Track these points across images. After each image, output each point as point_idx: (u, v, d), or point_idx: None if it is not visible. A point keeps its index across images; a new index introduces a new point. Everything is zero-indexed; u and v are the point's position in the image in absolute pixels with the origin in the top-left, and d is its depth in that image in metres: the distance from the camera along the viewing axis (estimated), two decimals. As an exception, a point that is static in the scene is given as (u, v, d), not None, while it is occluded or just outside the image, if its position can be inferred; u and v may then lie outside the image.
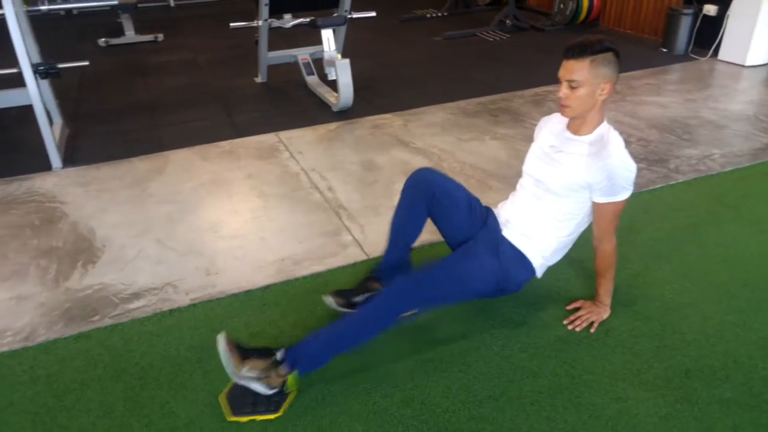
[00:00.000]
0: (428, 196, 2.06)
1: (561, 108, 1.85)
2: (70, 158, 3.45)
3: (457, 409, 1.72)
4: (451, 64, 5.13)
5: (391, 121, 3.81)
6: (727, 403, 1.70)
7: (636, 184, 2.92)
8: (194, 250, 2.54)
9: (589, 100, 1.80)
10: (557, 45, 5.65)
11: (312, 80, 4.37)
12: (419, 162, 3.23)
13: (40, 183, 3.16)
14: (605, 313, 2.04)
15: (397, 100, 4.18)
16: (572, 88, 1.78)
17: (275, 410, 1.71)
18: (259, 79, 4.70)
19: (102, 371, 1.90)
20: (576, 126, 1.91)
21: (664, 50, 5.25)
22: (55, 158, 3.34)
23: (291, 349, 1.76)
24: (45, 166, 3.31)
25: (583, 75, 1.76)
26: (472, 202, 2.10)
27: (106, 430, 1.68)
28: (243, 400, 1.74)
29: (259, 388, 1.71)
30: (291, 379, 1.74)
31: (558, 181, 1.91)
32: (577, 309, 2.06)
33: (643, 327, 2.00)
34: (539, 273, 2.04)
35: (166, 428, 1.68)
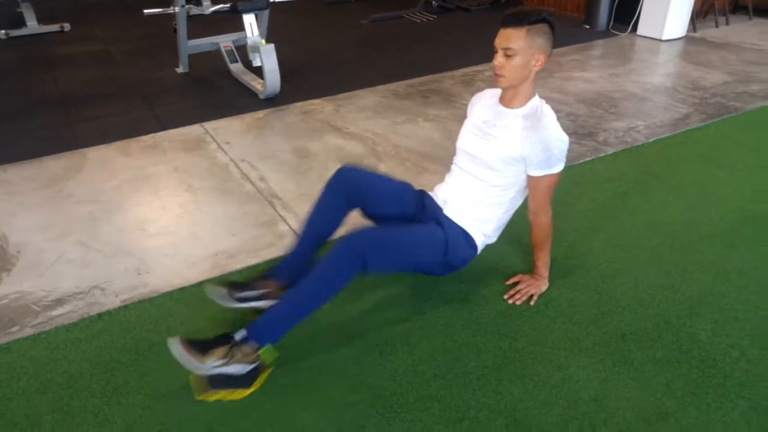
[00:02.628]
0: (350, 194, 2.00)
1: (496, 77, 1.84)
2: (-26, 160, 3.18)
3: (404, 391, 1.70)
4: (379, 47, 5.09)
5: (322, 106, 3.73)
6: (660, 362, 1.76)
7: (567, 158, 3.00)
8: (122, 250, 2.39)
9: (523, 70, 1.81)
10: (484, 24, 5.78)
11: (236, 68, 4.21)
12: (353, 147, 3.17)
13: (-60, 188, 2.90)
14: (544, 286, 2.07)
15: (326, 85, 4.09)
16: (508, 56, 1.78)
17: (248, 385, 1.68)
18: (180, 69, 4.49)
19: (26, 384, 1.76)
20: (508, 98, 1.91)
21: (587, 27, 5.41)
22: (-45, 162, 3.07)
23: (253, 324, 1.72)
24: (-56, 170, 3.05)
25: (519, 44, 1.76)
26: (404, 195, 2.07)
27: (30, 449, 1.56)
28: (218, 379, 1.67)
29: (234, 369, 1.67)
30: (265, 352, 1.70)
31: (493, 155, 1.91)
32: (517, 283, 2.08)
33: (581, 296, 2.04)
34: (480, 249, 2.04)
35: (100, 437, 1.59)
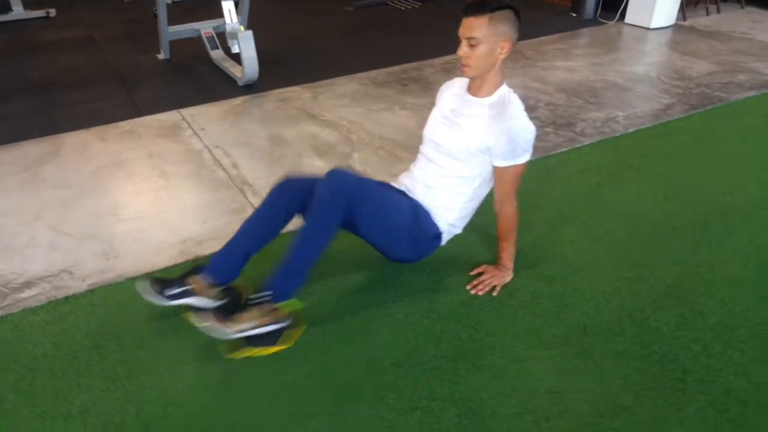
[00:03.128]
0: (293, 203, 1.91)
1: (461, 68, 1.82)
2: (-49, 145, 3.16)
3: (360, 379, 1.69)
4: (362, 34, 5.04)
5: (300, 93, 3.69)
6: (620, 355, 1.75)
7: (542, 149, 2.97)
8: (92, 234, 2.38)
9: (488, 59, 1.78)
10: None
11: (217, 54, 4.17)
12: (328, 135, 3.14)
13: None
14: (508, 277, 2.05)
15: (306, 72, 4.05)
16: (471, 46, 1.75)
17: (273, 343, 1.76)
18: (161, 56, 4.45)
19: None
20: (476, 87, 1.88)
21: (574, 15, 5.36)
22: (-69, 146, 3.05)
23: (268, 285, 1.76)
24: None
25: (482, 32, 1.72)
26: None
27: (-5, 425, 1.58)
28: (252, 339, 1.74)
29: (264, 330, 1.73)
30: (290, 305, 1.75)
31: (458, 145, 1.89)
32: (481, 274, 2.06)
33: (545, 288, 2.02)
34: (444, 240, 2.03)
35: (59, 416, 1.60)
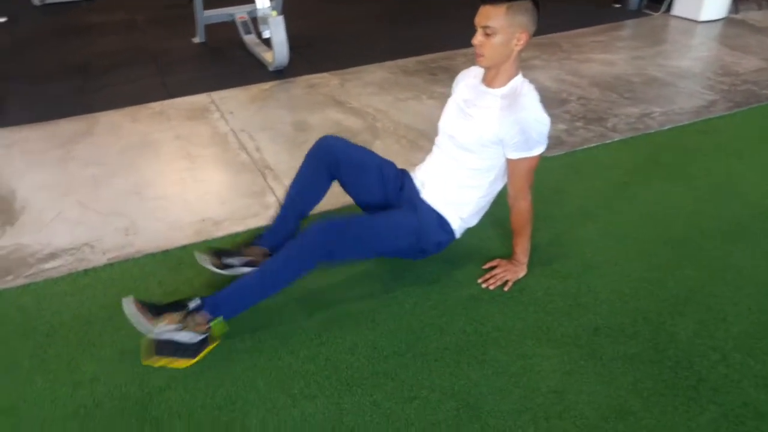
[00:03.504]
0: (331, 164, 1.98)
1: (476, 57, 1.78)
2: (-5, 120, 3.29)
3: (360, 365, 1.68)
4: (395, 21, 4.99)
5: (328, 80, 3.69)
6: (631, 359, 1.68)
7: (569, 143, 2.90)
8: (115, 211, 2.45)
9: (503, 50, 1.73)
10: None
11: (249, 39, 4.20)
12: (353, 122, 3.13)
13: (-37, 145, 3.01)
14: (521, 272, 2.00)
15: (336, 59, 4.04)
16: (487, 35, 1.71)
17: (192, 356, 1.66)
18: (196, 40, 4.51)
19: (11, 329, 1.85)
20: (490, 78, 1.84)
21: (617, 5, 5.16)
22: (-24, 120, 3.19)
23: (211, 297, 1.73)
24: (-34, 128, 3.16)
25: (498, 22, 1.68)
26: (385, 169, 2.03)
27: (9, 384, 1.64)
28: (165, 345, 1.66)
29: (183, 337, 1.66)
30: (216, 325, 1.69)
31: (470, 136, 1.85)
32: (494, 268, 2.02)
33: (559, 286, 1.96)
34: (458, 234, 1.99)
35: (69, 383, 1.64)
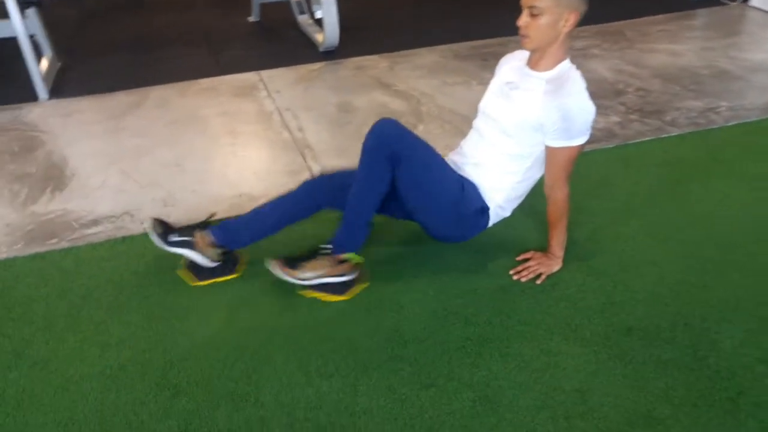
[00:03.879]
0: (332, 193, 1.92)
1: (521, 39, 1.70)
2: (58, 90, 3.42)
3: (379, 348, 1.66)
4: (452, 4, 4.83)
5: (377, 62, 3.64)
6: (665, 364, 1.59)
7: (622, 136, 2.76)
8: (156, 182, 2.51)
9: (550, 31, 1.65)
10: None
11: (303, 19, 4.19)
12: (398, 105, 3.08)
13: (26, 113, 3.15)
14: (556, 266, 1.92)
15: (388, 41, 3.98)
16: (533, 15, 1.63)
17: (342, 293, 1.83)
18: (251, 19, 4.54)
19: (50, 289, 1.92)
20: (535, 60, 1.76)
21: (691, -7, 4.86)
22: (41, 90, 3.31)
23: (333, 239, 1.84)
24: (33, 97, 3.29)
25: (545, 2, 1.60)
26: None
27: (44, 341, 1.72)
28: (317, 287, 1.84)
29: (331, 280, 1.82)
30: (351, 258, 1.83)
31: (510, 119, 1.78)
32: (528, 260, 1.95)
33: (593, 282, 1.87)
34: (492, 220, 1.93)
35: (97, 344, 1.70)
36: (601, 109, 2.93)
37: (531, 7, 1.62)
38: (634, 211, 2.21)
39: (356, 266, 1.86)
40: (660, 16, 4.29)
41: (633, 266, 1.94)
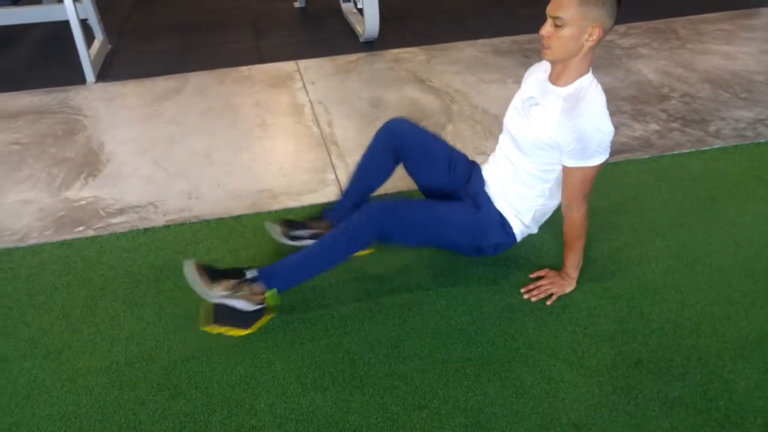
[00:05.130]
0: (397, 147, 1.98)
1: (542, 49, 1.64)
2: (105, 73, 3.54)
3: (378, 363, 1.65)
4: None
5: (415, 55, 3.58)
6: (672, 403, 1.52)
7: (658, 146, 2.63)
8: (183, 173, 2.56)
9: (572, 44, 1.58)
10: None
11: (347, 7, 4.16)
12: (429, 102, 3.03)
13: (73, 96, 3.27)
14: (569, 287, 1.86)
15: (428, 33, 3.91)
16: (557, 26, 1.56)
17: (247, 326, 1.74)
18: (297, 4, 4.54)
19: (72, 278, 2.00)
20: (556, 74, 1.69)
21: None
22: (89, 73, 3.43)
23: (264, 268, 1.77)
24: (81, 79, 3.42)
25: (570, 13, 1.53)
26: (453, 158, 1.99)
27: (59, 331, 1.79)
28: (222, 313, 1.75)
29: (239, 304, 1.73)
30: (269, 296, 1.74)
31: (526, 137, 1.73)
32: (541, 278, 1.90)
33: (607, 306, 1.80)
34: (519, 237, 1.89)
35: (108, 338, 1.76)
36: (639, 116, 2.81)
37: (555, 18, 1.55)
38: (661, 229, 2.11)
39: (270, 302, 1.76)
40: (719, 14, 4.03)
41: (652, 291, 1.86)
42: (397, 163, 2.02)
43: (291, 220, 2.07)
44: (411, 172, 2.03)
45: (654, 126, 2.72)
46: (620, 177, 2.38)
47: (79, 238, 2.18)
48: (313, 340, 1.73)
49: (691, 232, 2.10)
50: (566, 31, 1.56)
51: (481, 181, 1.90)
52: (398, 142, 1.98)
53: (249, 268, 1.77)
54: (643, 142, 2.61)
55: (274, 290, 1.74)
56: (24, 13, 3.68)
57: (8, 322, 1.82)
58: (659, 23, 3.84)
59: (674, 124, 2.72)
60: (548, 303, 1.82)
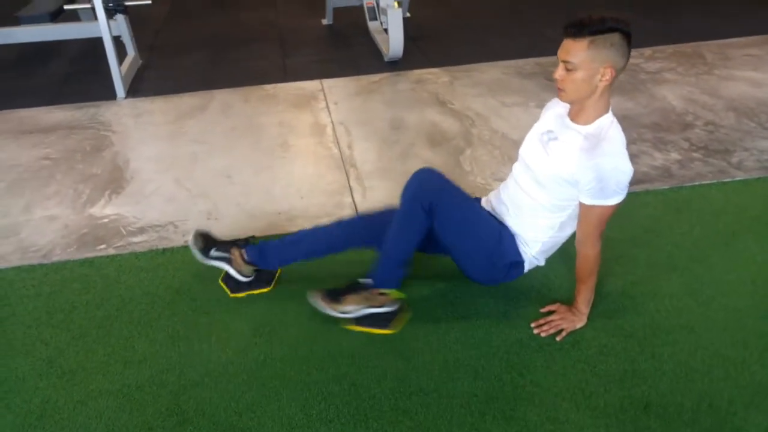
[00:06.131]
0: (375, 235, 1.93)
1: (557, 91, 1.65)
2: (135, 89, 3.64)
3: (384, 397, 1.66)
4: (527, 18, 4.70)
5: (438, 76, 3.60)
6: (678, 451, 1.50)
7: (679, 177, 2.59)
8: (204, 192, 2.62)
9: (585, 86, 1.58)
10: (654, 1, 4.91)
11: (373, 26, 4.20)
12: (449, 125, 3.04)
13: (104, 111, 3.38)
14: (579, 323, 1.84)
15: (453, 54, 3.93)
16: (568, 70, 1.57)
17: (386, 327, 1.86)
18: (325, 21, 4.61)
19: (91, 297, 2.05)
20: (574, 112, 1.70)
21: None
22: (119, 88, 3.54)
23: (372, 274, 1.88)
24: (112, 95, 3.53)
25: (579, 57, 1.54)
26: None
27: (75, 353, 1.83)
28: (364, 319, 1.88)
29: (374, 311, 1.86)
30: (393, 293, 1.88)
31: (544, 170, 1.73)
32: (552, 313, 1.89)
33: (617, 345, 1.78)
34: (527, 267, 1.90)
35: (121, 360, 1.80)
36: (661, 144, 2.77)
37: (565, 62, 1.57)
38: (677, 265, 2.08)
39: (397, 299, 1.89)
40: (747, 38, 3.96)
41: (665, 330, 1.83)
42: (362, 247, 1.98)
43: (213, 238, 2.10)
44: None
45: (675, 155, 2.69)
46: (638, 208, 2.35)
47: (100, 257, 2.24)
48: (321, 369, 1.75)
49: (709, 268, 2.06)
50: (578, 75, 1.57)
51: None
52: (372, 233, 1.94)
53: (362, 278, 1.90)
54: (663, 171, 2.57)
55: (392, 290, 1.88)
56: (60, 29, 3.80)
57: (27, 341, 1.88)
58: (687, 47, 3.79)
59: (696, 154, 2.68)
60: (558, 339, 1.81)
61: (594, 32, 1.50)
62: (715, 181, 2.51)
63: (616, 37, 1.52)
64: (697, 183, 2.50)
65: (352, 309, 1.85)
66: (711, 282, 2.00)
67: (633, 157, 2.63)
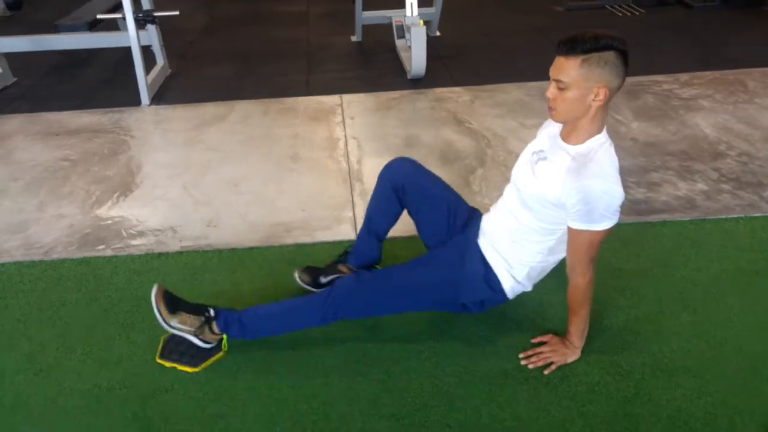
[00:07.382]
0: (398, 189, 1.93)
1: (549, 110, 1.57)
2: (159, 96, 3.72)
3: (353, 418, 1.59)
4: (556, 38, 4.52)
5: (459, 95, 3.52)
6: (665, 506, 1.36)
7: (704, 209, 2.44)
8: (208, 200, 2.61)
9: (577, 106, 1.50)
10: (703, 26, 4.76)
11: (400, 44, 4.17)
12: (464, 144, 2.95)
13: (126, 117, 3.45)
14: (572, 356, 1.71)
15: (477, 73, 3.86)
16: (560, 89, 1.49)
17: (195, 365, 1.74)
18: (354, 38, 4.62)
19: (82, 296, 2.06)
20: (566, 132, 1.61)
21: None
22: (144, 96, 3.61)
23: (228, 312, 1.78)
24: (137, 101, 3.61)
25: (571, 75, 1.45)
26: (454, 206, 1.93)
27: (55, 349, 1.84)
28: (176, 346, 1.80)
29: (194, 340, 1.76)
30: (226, 339, 1.77)
31: (530, 192, 1.63)
32: (543, 344, 1.77)
33: (611, 384, 1.64)
34: (510, 295, 1.78)
35: (99, 360, 1.79)
36: (687, 173, 2.61)
37: (557, 81, 1.48)
38: (689, 302, 1.92)
39: (220, 342, 1.78)
40: (796, 66, 3.71)
41: (667, 372, 1.68)
42: (401, 205, 1.97)
43: (314, 267, 2.05)
44: (412, 216, 1.97)
45: (702, 185, 2.52)
46: (652, 238, 2.20)
47: (98, 257, 2.25)
48: (293, 387, 1.68)
49: (724, 309, 1.89)
50: (570, 94, 1.48)
51: (476, 231, 1.82)
52: (398, 185, 1.93)
53: (210, 306, 1.78)
54: (686, 202, 2.41)
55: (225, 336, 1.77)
56: (93, 38, 3.94)
57: (13, 335, 1.89)
58: (729, 74, 3.59)
59: (725, 185, 2.50)
60: (546, 372, 1.68)
61: (587, 50, 1.42)
62: (743, 215, 2.33)
63: (610, 56, 1.42)
64: (722, 216, 2.33)
65: (179, 327, 1.73)
66: (725, 324, 1.84)
67: (653, 186, 2.56)
